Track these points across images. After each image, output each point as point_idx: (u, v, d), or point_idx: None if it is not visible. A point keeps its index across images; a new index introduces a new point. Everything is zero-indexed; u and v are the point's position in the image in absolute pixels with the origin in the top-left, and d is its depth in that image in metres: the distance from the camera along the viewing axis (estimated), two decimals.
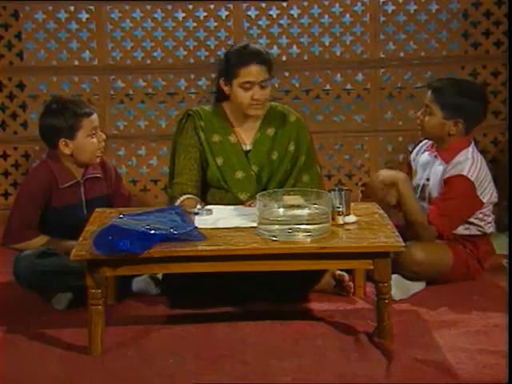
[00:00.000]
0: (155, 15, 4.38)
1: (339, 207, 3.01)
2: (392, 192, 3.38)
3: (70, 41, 4.38)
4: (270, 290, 3.25)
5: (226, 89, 3.38)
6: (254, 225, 2.94)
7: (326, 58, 4.43)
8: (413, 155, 3.77)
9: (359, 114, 4.53)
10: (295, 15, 4.40)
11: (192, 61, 4.43)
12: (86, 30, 4.37)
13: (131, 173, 4.50)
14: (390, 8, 4.40)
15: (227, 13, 4.37)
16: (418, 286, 3.44)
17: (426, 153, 3.66)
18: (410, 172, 3.76)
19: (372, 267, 2.86)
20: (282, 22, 4.41)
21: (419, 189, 3.62)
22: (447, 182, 3.46)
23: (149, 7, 4.36)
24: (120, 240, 2.75)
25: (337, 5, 4.39)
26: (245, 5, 4.37)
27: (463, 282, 3.49)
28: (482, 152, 3.98)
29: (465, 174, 3.42)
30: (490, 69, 4.45)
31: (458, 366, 2.71)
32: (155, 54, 4.42)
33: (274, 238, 2.85)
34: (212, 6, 4.37)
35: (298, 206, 2.92)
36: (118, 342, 2.93)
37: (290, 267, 2.91)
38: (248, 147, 3.46)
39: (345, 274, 3.37)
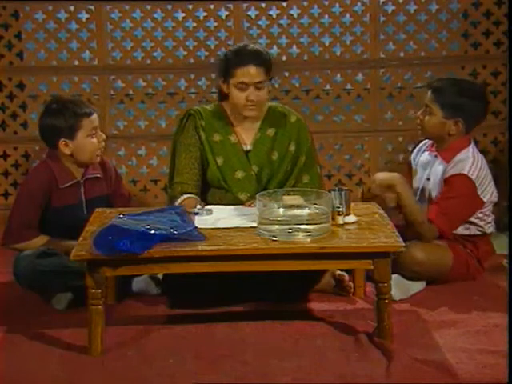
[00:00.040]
0: (155, 15, 4.38)
1: (339, 207, 3.01)
2: (390, 194, 3.37)
3: (70, 41, 4.38)
4: (270, 290, 3.25)
5: (224, 88, 3.38)
6: (254, 225, 2.94)
7: (326, 58, 4.43)
8: (413, 155, 3.78)
9: (359, 114, 4.53)
10: (295, 15, 4.39)
11: (192, 61, 4.43)
12: (86, 30, 4.37)
13: (131, 173, 4.50)
14: (390, 8, 4.40)
15: (227, 13, 4.37)
16: (418, 286, 3.44)
17: (426, 152, 3.66)
18: (410, 172, 3.77)
19: (372, 267, 2.86)
20: (282, 22, 4.41)
21: (419, 188, 3.63)
22: (448, 181, 3.46)
23: (149, 7, 4.35)
24: (120, 240, 2.75)
25: (337, 5, 4.39)
26: (245, 5, 4.37)
27: (463, 282, 3.49)
28: (482, 152, 3.98)
29: (465, 172, 3.42)
30: (490, 69, 4.45)
31: (458, 366, 2.71)
32: (155, 54, 4.42)
33: (274, 238, 2.85)
34: (212, 6, 4.37)
35: (298, 206, 2.92)
36: (118, 342, 2.93)
37: (290, 267, 2.91)
38: (248, 147, 3.46)
39: (345, 274, 3.37)
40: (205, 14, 4.38)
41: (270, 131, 3.47)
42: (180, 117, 3.57)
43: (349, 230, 2.98)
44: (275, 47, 4.40)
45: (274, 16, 4.39)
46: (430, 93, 3.53)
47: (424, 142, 3.72)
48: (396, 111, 4.50)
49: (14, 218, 3.42)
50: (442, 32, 4.44)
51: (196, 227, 2.92)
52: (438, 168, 3.54)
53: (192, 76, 4.43)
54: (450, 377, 2.64)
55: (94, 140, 3.44)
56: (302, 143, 3.49)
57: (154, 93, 4.45)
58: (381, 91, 4.47)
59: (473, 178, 3.43)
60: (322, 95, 4.49)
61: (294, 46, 4.43)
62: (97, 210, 3.29)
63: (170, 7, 4.36)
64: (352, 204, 3.11)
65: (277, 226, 2.87)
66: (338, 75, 4.46)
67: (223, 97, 3.45)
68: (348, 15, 4.40)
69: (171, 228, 2.85)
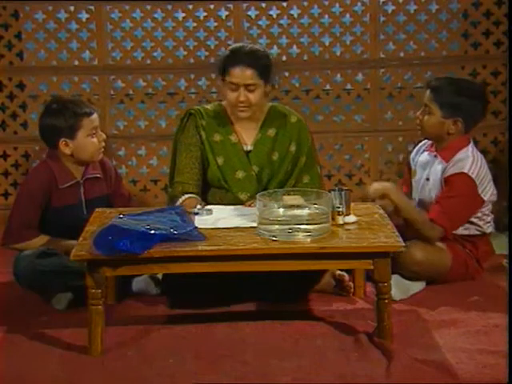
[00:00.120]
0: (155, 15, 4.38)
1: (339, 207, 3.01)
2: (386, 201, 3.38)
3: (70, 41, 4.38)
4: (269, 290, 3.25)
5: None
6: (254, 225, 2.94)
7: (326, 58, 4.43)
8: (412, 155, 3.78)
9: (359, 114, 4.53)
10: (295, 15, 4.39)
11: (192, 61, 4.42)
12: (86, 30, 4.37)
13: (131, 173, 4.49)
14: (390, 8, 4.40)
15: (227, 13, 4.37)
16: (418, 286, 3.44)
17: (426, 153, 3.66)
18: (409, 172, 3.77)
19: (372, 267, 2.86)
20: (282, 21, 4.41)
21: (419, 189, 3.63)
22: (448, 181, 3.46)
23: (149, 7, 4.35)
24: (120, 240, 2.75)
25: (337, 5, 4.39)
26: (245, 5, 4.37)
27: (463, 282, 3.49)
28: (482, 152, 3.98)
29: (466, 171, 3.42)
30: (490, 69, 4.45)
31: (458, 366, 2.71)
32: (155, 54, 4.42)
33: (274, 238, 2.85)
34: (212, 6, 4.37)
35: (298, 206, 2.92)
36: (118, 342, 2.93)
37: (290, 267, 2.92)
38: (249, 147, 3.46)
39: (345, 274, 3.37)
40: (205, 14, 4.38)
41: (271, 131, 3.47)
42: (180, 116, 3.57)
43: (349, 229, 2.98)
44: (275, 47, 4.40)
45: (274, 16, 4.39)
46: (428, 92, 3.54)
47: (423, 142, 3.72)
48: (396, 111, 4.50)
49: (14, 217, 3.42)
50: (442, 32, 4.44)
51: (196, 227, 2.92)
52: (438, 167, 3.54)
53: (192, 76, 4.43)
54: (450, 377, 2.64)
55: (95, 140, 3.44)
56: (303, 143, 3.49)
57: (154, 93, 4.45)
58: (381, 91, 4.47)
59: (473, 176, 3.43)
60: (322, 95, 4.49)
61: (294, 46, 4.43)
62: (97, 210, 3.30)
63: (170, 7, 4.36)
64: (352, 204, 3.11)
65: (277, 226, 2.87)
66: (338, 75, 4.46)
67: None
68: (348, 15, 4.40)
69: (171, 228, 2.85)
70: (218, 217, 3.11)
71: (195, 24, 4.39)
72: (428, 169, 3.60)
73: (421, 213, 3.45)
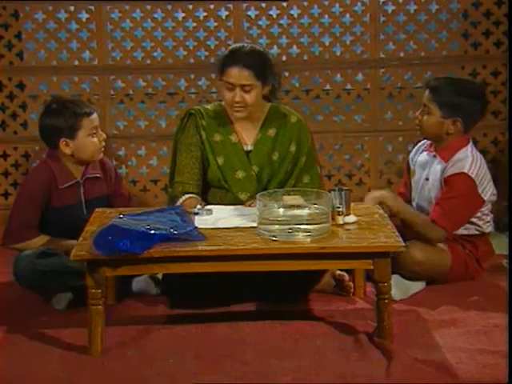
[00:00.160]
0: (155, 15, 4.38)
1: (339, 207, 3.01)
2: (384, 207, 3.39)
3: (70, 41, 4.38)
4: (269, 290, 3.25)
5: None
6: (254, 225, 2.94)
7: (326, 58, 4.43)
8: (411, 155, 3.78)
9: (359, 114, 4.53)
10: (295, 15, 4.39)
11: (192, 61, 4.43)
12: (86, 30, 4.37)
13: (131, 173, 4.50)
14: (390, 8, 4.40)
15: (227, 13, 4.37)
16: (418, 286, 3.44)
17: (425, 153, 3.66)
18: (408, 172, 3.77)
19: (372, 267, 2.86)
20: (282, 21, 4.41)
21: (418, 189, 3.63)
22: (448, 181, 3.46)
23: (149, 7, 4.35)
24: (120, 240, 2.75)
25: (337, 5, 4.39)
26: (245, 5, 4.37)
27: (463, 282, 3.49)
28: (482, 152, 3.98)
29: (465, 171, 3.42)
30: (490, 69, 4.45)
31: (458, 366, 2.71)
32: (155, 54, 4.42)
33: (274, 238, 2.85)
34: (212, 6, 4.37)
35: (298, 206, 2.92)
36: (118, 342, 2.93)
37: (290, 267, 2.91)
38: (249, 147, 3.46)
39: (345, 274, 3.37)
40: (205, 14, 4.38)
41: (271, 132, 3.47)
42: (180, 116, 3.57)
43: (349, 229, 2.98)
44: (275, 47, 4.40)
45: (274, 16, 4.39)
46: (427, 92, 3.53)
47: (422, 142, 3.72)
48: (396, 111, 4.50)
49: (14, 217, 3.42)
50: (442, 32, 4.44)
51: (196, 227, 2.92)
52: (437, 167, 3.54)
53: (192, 76, 4.43)
54: (450, 377, 2.64)
55: (95, 139, 3.44)
56: (303, 144, 3.48)
57: (154, 93, 4.45)
58: (381, 91, 4.47)
59: (473, 176, 3.43)
60: (322, 95, 4.49)
61: (294, 46, 4.43)
62: (97, 210, 3.29)
63: (170, 7, 4.36)
64: (352, 204, 3.11)
65: (277, 226, 2.87)
66: (338, 75, 4.46)
67: None
68: (348, 15, 4.40)
69: (171, 228, 2.85)
70: (218, 217, 3.11)
71: (195, 24, 4.39)
72: (427, 169, 3.60)
73: (420, 216, 3.46)
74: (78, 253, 2.80)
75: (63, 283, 3.26)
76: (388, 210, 3.35)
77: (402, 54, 4.45)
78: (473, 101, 3.50)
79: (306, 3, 4.38)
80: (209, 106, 3.52)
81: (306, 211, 2.91)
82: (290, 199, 2.97)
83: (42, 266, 3.24)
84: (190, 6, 4.37)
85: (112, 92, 4.44)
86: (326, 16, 4.39)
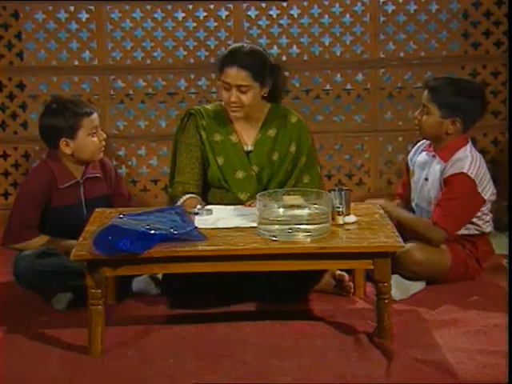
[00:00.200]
0: (155, 15, 4.38)
1: (339, 207, 3.01)
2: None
3: (70, 41, 4.38)
4: (269, 290, 3.25)
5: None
6: (254, 225, 2.94)
7: (326, 58, 4.43)
8: (410, 156, 3.78)
9: (359, 114, 4.53)
10: (295, 15, 4.39)
11: (192, 61, 4.43)
12: (86, 30, 4.37)
13: (131, 173, 4.50)
14: (390, 8, 4.40)
15: (227, 13, 4.37)
16: (418, 286, 3.44)
17: (424, 153, 3.66)
18: (407, 173, 3.77)
19: (372, 267, 2.86)
20: (282, 21, 4.41)
21: (418, 189, 3.63)
22: (448, 182, 3.46)
23: (149, 7, 4.35)
24: (120, 240, 2.75)
25: (337, 5, 4.39)
26: (245, 5, 4.37)
27: (463, 282, 3.49)
28: (482, 152, 3.98)
29: (465, 171, 3.42)
30: (490, 69, 4.45)
31: (458, 366, 2.71)
32: (155, 54, 4.42)
33: (274, 238, 2.85)
34: (212, 6, 4.37)
35: (298, 206, 2.92)
36: (118, 342, 2.93)
37: (290, 267, 2.91)
38: (249, 147, 3.46)
39: (345, 274, 3.37)
40: (205, 13, 4.38)
41: (271, 132, 3.47)
42: (180, 116, 3.57)
43: (349, 229, 2.98)
44: (275, 47, 4.40)
45: (274, 16, 4.39)
46: (426, 92, 3.53)
47: (421, 142, 3.72)
48: (396, 111, 4.50)
49: (14, 217, 3.42)
50: (442, 32, 4.44)
51: (196, 227, 2.92)
52: (436, 167, 3.54)
53: (192, 76, 4.43)
54: (450, 377, 2.64)
55: (95, 139, 3.44)
56: (303, 144, 3.48)
57: (154, 93, 4.45)
58: (381, 91, 4.47)
59: (472, 176, 3.43)
60: (322, 95, 4.49)
61: (294, 46, 4.43)
62: (97, 209, 3.29)
63: (170, 7, 4.36)
64: (352, 204, 3.11)
65: (277, 226, 2.87)
66: (338, 75, 4.46)
67: None
68: (348, 15, 4.40)
69: (171, 228, 2.85)
70: (218, 217, 3.11)
71: (195, 24, 4.39)
72: (426, 169, 3.60)
73: (420, 219, 3.47)
74: (78, 253, 2.80)
75: (63, 283, 3.26)
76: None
77: (402, 54, 4.45)
78: (472, 101, 3.50)
79: (305, 3, 4.38)
80: (209, 106, 3.52)
81: (306, 211, 2.91)
82: (290, 199, 2.97)
83: (42, 266, 3.24)
84: (190, 6, 4.37)
85: (112, 92, 4.44)
86: (326, 16, 4.39)
